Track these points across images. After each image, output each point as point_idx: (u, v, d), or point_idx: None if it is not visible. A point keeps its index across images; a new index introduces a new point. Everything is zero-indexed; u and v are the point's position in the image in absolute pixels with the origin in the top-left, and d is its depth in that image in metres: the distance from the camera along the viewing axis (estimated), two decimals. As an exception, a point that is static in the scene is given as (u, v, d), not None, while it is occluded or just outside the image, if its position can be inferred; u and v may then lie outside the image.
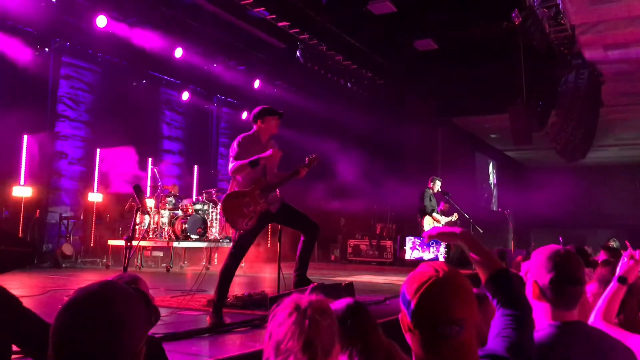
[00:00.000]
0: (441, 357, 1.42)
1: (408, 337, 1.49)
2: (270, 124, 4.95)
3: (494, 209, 21.23)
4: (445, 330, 1.41)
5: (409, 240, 12.47)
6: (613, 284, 2.45)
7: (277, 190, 5.01)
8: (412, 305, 1.44)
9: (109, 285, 1.28)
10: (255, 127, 5.02)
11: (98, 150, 11.46)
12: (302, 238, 5.01)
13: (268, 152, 4.75)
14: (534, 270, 1.97)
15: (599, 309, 2.41)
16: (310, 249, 5.01)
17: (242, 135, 4.96)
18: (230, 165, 4.84)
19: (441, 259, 11.21)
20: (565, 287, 1.90)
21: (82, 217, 11.04)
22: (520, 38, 10.44)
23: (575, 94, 12.10)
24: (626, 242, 3.25)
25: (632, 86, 13.41)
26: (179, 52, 11.45)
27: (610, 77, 12.64)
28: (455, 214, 10.53)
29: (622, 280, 2.45)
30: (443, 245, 11.24)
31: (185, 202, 10.90)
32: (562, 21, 9.90)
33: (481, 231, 10.52)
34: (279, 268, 5.41)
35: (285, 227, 5.35)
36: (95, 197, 11.14)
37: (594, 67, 12.26)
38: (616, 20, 10.05)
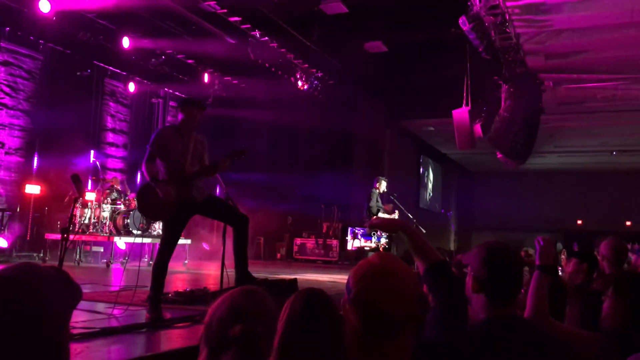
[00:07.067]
0: (371, 349, 1.43)
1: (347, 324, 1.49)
2: (190, 114, 4.90)
3: (437, 210, 21.68)
4: (378, 324, 1.41)
5: (350, 231, 12.79)
6: (535, 274, 2.50)
7: (202, 181, 4.97)
8: (352, 294, 1.45)
9: (25, 268, 1.24)
10: (179, 117, 5.02)
11: (37, 140, 11.06)
12: (233, 232, 4.97)
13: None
14: (473, 264, 2.00)
15: (529, 303, 2.47)
16: (243, 241, 4.95)
17: (160, 128, 4.93)
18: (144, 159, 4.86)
19: (381, 249, 11.54)
20: (501, 281, 1.95)
21: (18, 210, 10.62)
22: (467, 44, 10.70)
23: (518, 101, 12.46)
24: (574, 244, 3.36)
25: (571, 95, 13.93)
26: (126, 43, 11.17)
27: (551, 86, 13.10)
28: (397, 212, 10.75)
29: (542, 268, 2.51)
30: (384, 235, 11.51)
31: (128, 196, 10.66)
32: (507, 29, 10.18)
33: (424, 231, 10.72)
34: (223, 264, 5.37)
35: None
36: (33, 189, 10.73)
37: (536, 76, 12.67)
38: (558, 31, 10.42)
